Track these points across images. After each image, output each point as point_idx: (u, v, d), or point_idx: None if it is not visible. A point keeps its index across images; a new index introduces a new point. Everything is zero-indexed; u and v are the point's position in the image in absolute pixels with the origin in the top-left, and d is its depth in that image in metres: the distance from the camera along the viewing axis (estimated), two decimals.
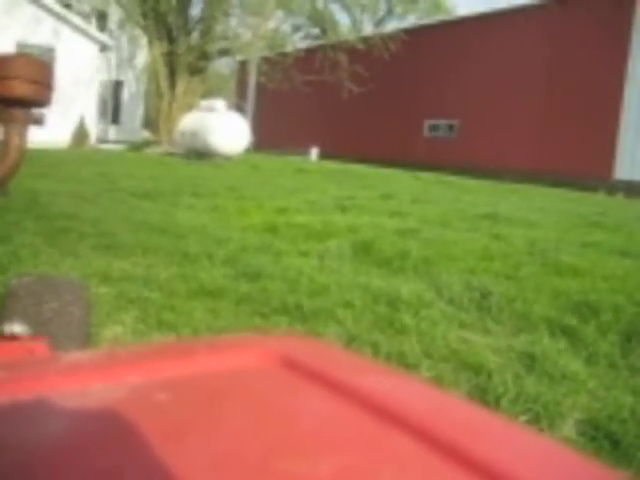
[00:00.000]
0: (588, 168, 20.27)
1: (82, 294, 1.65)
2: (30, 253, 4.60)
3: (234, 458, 0.40)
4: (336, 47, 26.70)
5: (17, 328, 1.37)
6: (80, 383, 0.49)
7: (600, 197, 16.76)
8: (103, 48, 25.65)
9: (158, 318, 3.44)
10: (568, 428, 2.46)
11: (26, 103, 1.15)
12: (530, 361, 3.08)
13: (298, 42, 31.78)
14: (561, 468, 0.41)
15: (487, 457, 0.39)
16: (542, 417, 2.49)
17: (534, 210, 10.02)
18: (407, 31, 27.22)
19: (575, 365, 3.05)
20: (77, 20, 24.38)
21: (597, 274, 4.95)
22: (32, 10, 22.70)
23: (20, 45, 21.93)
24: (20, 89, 1.10)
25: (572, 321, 3.72)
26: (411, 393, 0.53)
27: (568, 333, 3.54)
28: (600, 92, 20.59)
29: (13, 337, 1.34)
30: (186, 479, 0.37)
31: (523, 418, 2.47)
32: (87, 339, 1.53)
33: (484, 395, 2.66)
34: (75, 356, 0.83)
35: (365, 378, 0.54)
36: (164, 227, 6.12)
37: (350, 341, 3.24)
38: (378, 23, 44.74)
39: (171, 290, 3.99)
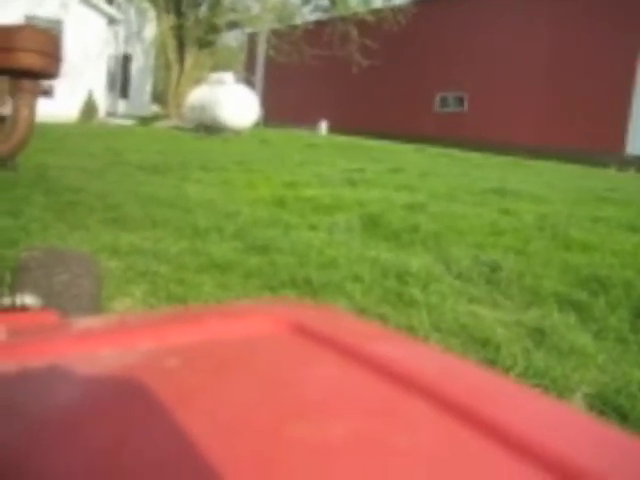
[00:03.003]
0: (599, 143, 20.07)
1: (92, 267, 1.66)
2: (39, 227, 4.62)
3: (245, 424, 0.40)
4: (346, 20, 26.40)
5: (28, 300, 1.38)
6: (89, 348, 0.49)
7: (611, 172, 16.62)
8: (111, 21, 25.44)
9: (167, 291, 3.46)
10: (576, 401, 2.47)
11: (35, 74, 1.13)
12: (539, 335, 3.08)
13: (307, 15, 31.46)
14: (577, 430, 0.41)
15: (502, 420, 0.39)
16: (551, 390, 2.49)
17: (543, 185, 9.96)
18: (417, 3, 26.88)
19: (584, 340, 3.06)
20: None
21: (607, 249, 4.93)
22: None
23: (28, 18, 21.76)
24: (28, 60, 1.09)
25: (581, 296, 3.72)
26: (424, 358, 0.52)
27: (577, 308, 3.54)
28: (611, 65, 20.31)
29: (24, 308, 1.35)
30: (196, 445, 0.37)
31: None
32: (97, 311, 1.54)
33: (492, 368, 2.66)
34: (84, 322, 0.83)
35: (377, 343, 0.54)
36: (173, 201, 6.13)
37: (359, 314, 3.25)
38: None
39: (180, 264, 4.00)
